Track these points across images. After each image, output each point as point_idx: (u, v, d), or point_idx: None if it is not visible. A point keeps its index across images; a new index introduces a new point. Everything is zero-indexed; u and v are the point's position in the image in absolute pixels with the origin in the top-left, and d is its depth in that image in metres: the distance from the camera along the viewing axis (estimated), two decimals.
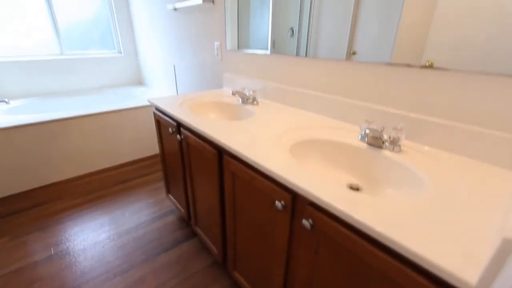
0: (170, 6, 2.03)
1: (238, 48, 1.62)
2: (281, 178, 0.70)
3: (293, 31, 1.27)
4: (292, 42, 1.28)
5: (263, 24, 1.42)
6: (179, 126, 1.23)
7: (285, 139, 0.94)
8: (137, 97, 2.82)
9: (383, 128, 0.89)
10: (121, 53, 3.08)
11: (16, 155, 1.88)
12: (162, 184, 2.11)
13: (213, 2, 1.64)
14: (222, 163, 0.99)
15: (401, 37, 0.89)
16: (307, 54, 1.21)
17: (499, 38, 0.70)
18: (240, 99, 1.42)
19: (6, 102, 2.24)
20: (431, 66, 0.84)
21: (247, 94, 1.40)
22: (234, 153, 0.86)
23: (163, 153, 1.56)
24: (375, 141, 0.90)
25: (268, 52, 1.42)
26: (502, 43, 0.70)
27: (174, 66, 2.36)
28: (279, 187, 0.75)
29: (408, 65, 0.90)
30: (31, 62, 2.54)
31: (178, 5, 1.90)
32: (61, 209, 1.80)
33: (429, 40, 0.83)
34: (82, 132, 2.12)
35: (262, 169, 0.76)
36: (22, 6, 2.47)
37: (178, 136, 1.23)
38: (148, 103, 2.41)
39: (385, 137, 0.90)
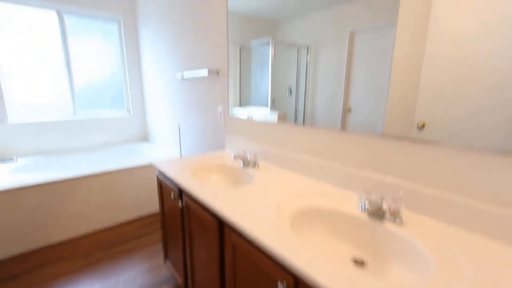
0: (178, 75, 2.23)
1: (240, 105, 1.73)
2: (283, 260, 0.68)
3: (291, 90, 1.36)
4: (290, 100, 1.37)
5: (263, 84, 1.53)
6: (181, 192, 1.25)
7: (286, 209, 0.95)
8: (142, 154, 2.90)
9: (382, 198, 0.90)
10: (130, 112, 3.27)
11: (19, 216, 1.86)
12: (160, 246, 2.03)
13: (217, 73, 1.82)
14: (223, 234, 0.98)
15: (390, 108, 0.97)
16: (305, 112, 1.29)
17: (479, 115, 0.76)
18: (241, 162, 1.46)
19: (14, 161, 2.30)
20: (423, 126, 0.89)
21: (248, 157, 1.45)
22: (235, 227, 0.86)
23: (164, 216, 1.55)
24: (376, 212, 0.90)
25: (268, 109, 1.51)
26: (482, 120, 0.76)
27: (179, 126, 2.49)
28: (281, 267, 0.73)
29: (399, 138, 0.95)
30: (45, 123, 2.69)
31: (186, 75, 2.10)
32: (58, 273, 1.71)
33: (419, 103, 0.90)
34: (86, 192, 2.13)
35: (263, 247, 0.75)
36: (43, 68, 2.73)
37: (179, 202, 1.24)
38: (150, 162, 2.46)
39: (385, 207, 0.90)
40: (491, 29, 0.72)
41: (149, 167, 2.44)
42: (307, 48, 1.24)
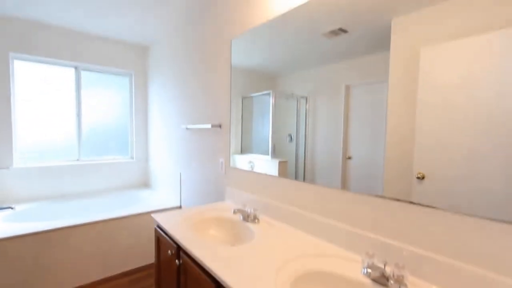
0: (183, 126, 2.34)
1: (241, 153, 1.77)
2: None
3: (291, 137, 1.41)
4: (291, 146, 1.41)
5: (264, 132, 1.60)
6: (179, 249, 1.22)
7: (287, 272, 0.92)
8: (142, 200, 2.87)
9: (386, 262, 0.88)
10: (133, 158, 3.32)
11: (6, 269, 1.78)
12: None
13: (220, 126, 1.91)
14: None
15: (389, 155, 1.00)
16: (306, 158, 1.32)
17: (475, 159, 0.79)
18: (241, 216, 1.45)
19: (12, 208, 2.27)
20: (423, 178, 0.90)
21: (248, 211, 1.44)
22: None
23: (159, 273, 1.48)
24: (380, 279, 0.87)
25: (269, 156, 1.55)
26: (475, 183, 0.78)
27: (180, 174, 2.51)
28: None
29: (397, 200, 0.97)
30: (49, 168, 2.73)
31: (190, 126, 2.20)
32: None
33: (416, 151, 0.92)
34: (78, 241, 2.06)
35: None
36: (53, 114, 2.86)
37: (177, 260, 1.20)
38: (149, 209, 2.43)
39: (389, 272, 0.87)
40: (473, 80, 0.79)
41: (146, 215, 2.40)
42: (306, 99, 1.33)
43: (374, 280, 0.87)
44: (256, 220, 1.42)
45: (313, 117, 1.29)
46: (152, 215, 1.49)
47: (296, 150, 1.39)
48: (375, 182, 1.04)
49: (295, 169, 1.39)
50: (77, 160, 2.97)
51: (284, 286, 0.84)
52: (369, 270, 0.88)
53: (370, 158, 1.06)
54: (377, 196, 1.03)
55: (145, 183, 3.37)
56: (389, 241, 0.97)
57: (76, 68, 2.93)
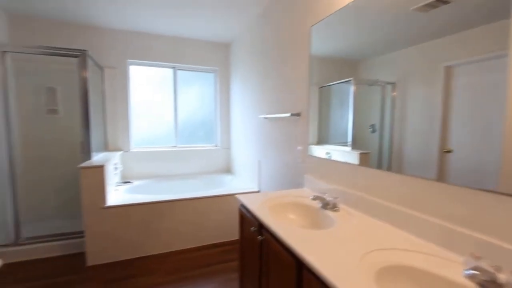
0: (261, 116, 2.46)
1: (317, 144, 1.76)
2: None
3: (374, 127, 1.31)
4: (373, 138, 1.32)
5: (343, 122, 1.54)
6: (261, 226, 1.33)
7: (371, 261, 0.89)
8: (226, 184, 3.18)
9: (499, 268, 0.76)
10: (217, 146, 3.70)
11: (128, 228, 2.29)
12: (236, 275, 2.12)
13: (299, 115, 1.93)
14: (302, 277, 0.98)
15: (507, 149, 0.84)
16: (392, 151, 1.22)
17: None
18: (320, 203, 1.46)
19: (131, 182, 2.88)
20: None
21: (328, 199, 1.44)
22: (316, 273, 0.86)
23: (242, 247, 1.64)
24: (489, 284, 0.75)
25: (349, 148, 1.49)
26: None
27: (259, 161, 2.67)
28: None
29: None
30: (154, 153, 3.32)
31: (268, 116, 2.29)
32: (148, 284, 1.98)
33: None
34: (180, 213, 2.46)
35: None
36: (157, 109, 3.43)
37: (259, 236, 1.31)
38: (233, 192, 2.68)
39: (503, 280, 0.75)
40: None
41: (232, 197, 2.65)
42: (393, 85, 1.21)
43: (481, 285, 0.76)
44: (336, 209, 1.40)
45: (401, 105, 1.17)
46: (236, 195, 1.65)
47: (380, 141, 1.29)
48: (482, 177, 0.89)
49: (378, 163, 1.30)
50: (174, 146, 3.50)
51: (368, 273, 0.83)
52: (475, 272, 0.77)
53: (477, 150, 0.90)
54: (487, 190, 0.87)
55: (228, 169, 3.72)
56: (504, 245, 0.82)
57: (173, 68, 3.42)
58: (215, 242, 2.63)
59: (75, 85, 2.40)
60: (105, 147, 3.10)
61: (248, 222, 1.51)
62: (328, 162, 1.65)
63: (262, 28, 2.53)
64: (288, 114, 1.97)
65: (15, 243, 2.25)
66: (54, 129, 2.89)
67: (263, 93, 2.54)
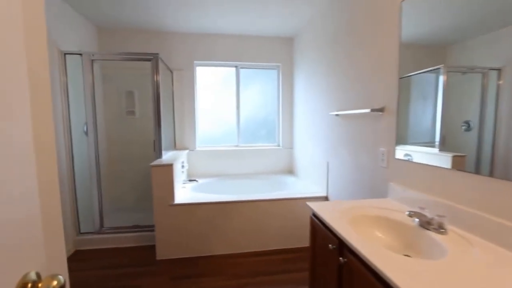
0: (331, 113, 2.19)
1: (395, 145, 1.49)
2: None
3: (469, 124, 1.07)
4: (468, 137, 1.08)
5: (426, 118, 1.31)
6: (342, 245, 1.10)
7: None
8: (288, 186, 3.00)
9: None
10: (279, 146, 3.55)
11: (194, 226, 2.31)
12: None
13: (381, 111, 1.61)
14: None
15: None
16: (494, 157, 0.98)
17: None
18: (417, 220, 1.15)
19: (196, 181, 2.95)
20: None
21: (429, 216, 1.12)
22: None
23: (314, 263, 1.43)
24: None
25: (436, 149, 1.24)
26: None
27: (327, 163, 2.40)
28: None
29: None
30: (217, 152, 3.35)
31: (340, 112, 2.02)
32: (212, 287, 1.95)
33: None
34: (242, 215, 2.38)
35: None
36: (222, 110, 3.46)
37: (340, 258, 1.09)
38: (298, 195, 2.48)
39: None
40: None
41: (296, 201, 2.46)
42: (499, 71, 0.96)
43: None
44: (442, 230, 1.07)
45: (510, 96, 0.90)
46: (308, 203, 1.45)
47: (479, 142, 1.03)
48: None
49: (476, 167, 1.04)
50: (236, 146, 3.48)
51: None
52: None
53: None
54: None
55: (290, 170, 3.53)
56: None
57: (236, 67, 3.39)
58: (276, 248, 2.47)
59: (149, 87, 2.56)
60: (174, 146, 3.26)
61: (322, 235, 1.30)
62: (422, 167, 1.31)
63: (332, 15, 2.25)
64: (367, 110, 1.67)
65: (99, 231, 2.50)
66: (131, 129, 3.17)
67: (332, 87, 2.27)
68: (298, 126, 3.24)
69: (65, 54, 2.31)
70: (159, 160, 2.40)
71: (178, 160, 2.59)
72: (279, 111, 3.52)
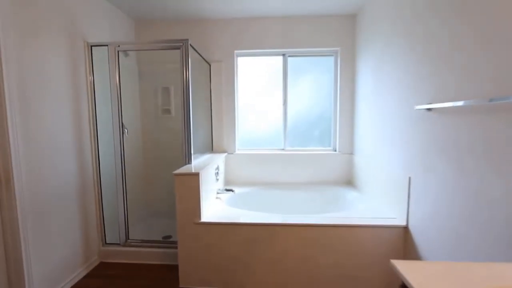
0: (421, 106, 1.47)
1: None
2: None
3: None
4: None
5: None
6: None
7: None
8: (349, 204, 2.32)
9: None
10: (335, 151, 2.87)
11: (226, 251, 1.84)
12: None
13: None
14: None
15: None
16: None
17: None
18: None
19: (233, 191, 2.49)
20: None
21: None
22: None
23: None
24: None
25: None
26: None
27: (409, 178, 1.67)
28: None
29: None
30: (259, 156, 2.84)
31: (438, 105, 1.30)
32: None
33: None
34: (286, 241, 1.82)
35: None
36: (266, 107, 2.94)
37: None
38: (364, 222, 1.80)
39: None
40: None
41: (362, 229, 1.78)
42: None
43: None
44: None
45: None
46: (394, 262, 0.81)
47: None
48: None
49: None
50: (282, 149, 2.92)
51: None
52: None
53: None
54: None
55: (349, 181, 2.82)
56: None
57: (283, 55, 2.84)
58: None
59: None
60: (211, 149, 2.88)
61: None
62: None
63: None
64: (484, 101, 0.95)
65: (124, 244, 2.23)
66: (167, 128, 2.89)
67: (418, 72, 1.54)
68: (362, 126, 2.52)
69: (91, 46, 2.09)
70: (186, 167, 2.00)
71: (211, 166, 2.17)
72: (335, 107, 2.84)
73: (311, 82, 2.90)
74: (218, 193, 2.41)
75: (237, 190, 2.62)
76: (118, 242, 2.24)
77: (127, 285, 1.93)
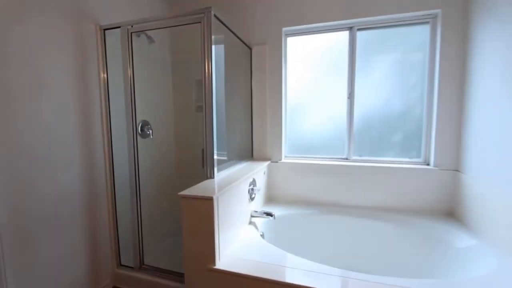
0: None
1: None
2: None
3: None
4: None
5: None
6: None
7: None
8: (461, 256, 1.43)
9: None
10: (428, 164, 1.94)
11: None
12: None
13: None
14: None
15: None
16: None
17: None
18: None
19: (272, 216, 1.82)
20: None
21: None
22: None
23: None
24: None
25: None
26: None
27: None
28: None
29: None
30: (313, 166, 2.13)
31: None
32: None
33: None
34: None
35: None
36: (323, 101, 2.20)
37: None
38: None
39: None
40: None
41: None
42: None
43: None
44: None
45: None
46: None
47: None
48: None
49: None
50: (345, 159, 2.14)
51: None
52: None
53: None
54: None
55: (451, 212, 1.86)
56: None
57: (350, 29, 2.05)
58: None
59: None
60: (251, 155, 2.29)
61: None
62: None
63: None
64: None
65: (139, 268, 1.83)
66: (200, 128, 2.42)
67: None
68: (481, 131, 1.56)
69: (104, 30, 1.73)
70: (203, 184, 1.45)
71: (243, 181, 1.59)
72: (431, 102, 1.91)
73: (391, 65, 2.03)
74: (252, 216, 1.81)
75: (280, 211, 1.97)
76: (132, 266, 1.85)
77: None
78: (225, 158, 1.86)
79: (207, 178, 1.53)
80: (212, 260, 1.24)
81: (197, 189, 1.32)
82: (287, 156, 2.28)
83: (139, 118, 2.02)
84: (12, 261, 1.26)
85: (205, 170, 1.55)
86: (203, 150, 1.55)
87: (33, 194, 1.35)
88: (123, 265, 1.89)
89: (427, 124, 1.94)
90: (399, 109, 2.02)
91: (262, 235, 1.72)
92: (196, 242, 1.26)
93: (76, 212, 1.60)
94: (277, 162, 2.22)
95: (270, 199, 2.25)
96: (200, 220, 1.24)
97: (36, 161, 1.36)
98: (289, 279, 1.14)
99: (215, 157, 1.54)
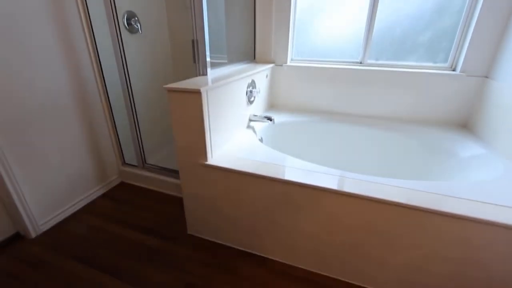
0: None
1: None
2: None
3: None
4: None
5: None
6: None
7: None
8: (463, 165, 1.38)
9: None
10: (454, 70, 1.69)
11: (242, 205, 1.29)
12: None
13: None
14: None
15: None
16: None
17: None
18: None
19: (270, 120, 1.74)
20: None
21: None
22: None
23: None
24: None
25: None
26: None
27: None
28: None
29: None
30: (322, 70, 1.92)
31: None
32: None
33: None
34: (342, 215, 1.13)
35: None
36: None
37: None
38: (493, 219, 0.92)
39: None
40: None
41: (483, 226, 0.93)
42: None
43: None
44: None
45: None
46: None
47: None
48: None
49: None
50: (359, 63, 1.89)
51: None
52: None
53: None
54: None
55: (465, 123, 1.73)
56: None
57: None
58: None
59: None
60: (253, 57, 2.06)
61: None
62: None
63: None
64: None
65: (142, 167, 1.92)
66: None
67: None
68: None
69: None
70: (193, 80, 1.31)
71: (242, 81, 1.45)
72: None
73: None
74: (251, 120, 1.73)
75: (282, 118, 1.89)
76: (136, 164, 1.94)
77: (135, 215, 1.66)
78: (224, 60, 1.67)
79: (199, 75, 1.39)
80: (203, 156, 1.23)
81: (185, 83, 1.19)
82: (293, 60, 2.04)
83: (123, 9, 1.75)
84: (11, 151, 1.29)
85: (196, 66, 1.38)
86: (193, 41, 1.35)
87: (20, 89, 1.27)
88: (128, 164, 1.98)
89: (465, 20, 1.59)
90: (428, 4, 1.63)
91: (261, 140, 1.69)
92: (187, 138, 1.22)
93: (69, 107, 1.55)
94: (281, 65, 2.00)
95: (272, 106, 2.14)
96: (189, 114, 1.16)
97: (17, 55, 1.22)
98: (272, 172, 1.13)
99: (207, 51, 1.34)
